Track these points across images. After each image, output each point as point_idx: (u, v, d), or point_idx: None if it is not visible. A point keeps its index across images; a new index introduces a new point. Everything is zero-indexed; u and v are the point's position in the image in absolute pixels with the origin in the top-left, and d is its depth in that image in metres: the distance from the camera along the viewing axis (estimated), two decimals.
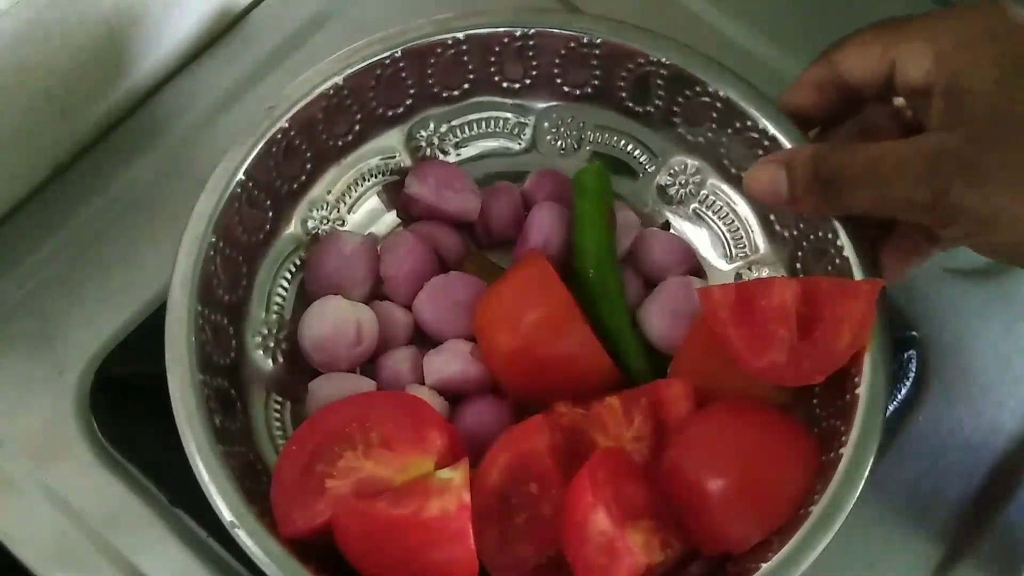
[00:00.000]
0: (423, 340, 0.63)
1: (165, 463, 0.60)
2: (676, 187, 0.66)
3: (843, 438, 0.56)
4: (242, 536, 0.53)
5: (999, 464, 0.66)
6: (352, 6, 0.73)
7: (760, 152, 0.62)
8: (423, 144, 0.66)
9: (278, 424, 0.60)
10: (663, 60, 0.63)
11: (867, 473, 0.55)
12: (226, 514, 0.53)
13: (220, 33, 0.72)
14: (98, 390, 0.63)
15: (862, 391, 0.56)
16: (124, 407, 0.63)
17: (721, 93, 0.62)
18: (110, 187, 0.68)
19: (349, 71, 0.62)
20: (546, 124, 0.67)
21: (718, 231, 0.66)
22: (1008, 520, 0.64)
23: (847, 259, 0.59)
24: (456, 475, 0.53)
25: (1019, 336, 0.69)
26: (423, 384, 0.61)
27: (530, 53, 0.64)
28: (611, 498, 0.53)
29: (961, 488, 0.65)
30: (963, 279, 0.70)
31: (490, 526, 0.55)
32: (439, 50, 0.63)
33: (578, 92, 0.66)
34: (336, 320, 0.60)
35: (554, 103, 0.67)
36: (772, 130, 0.61)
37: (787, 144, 0.60)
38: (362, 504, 0.52)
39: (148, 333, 0.63)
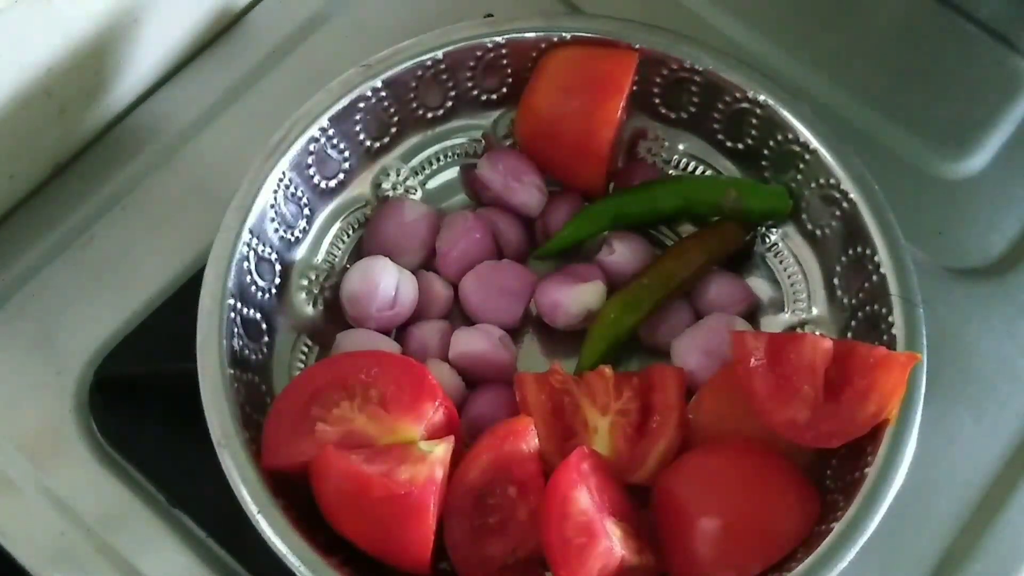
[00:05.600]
0: (461, 321, 0.63)
1: (164, 463, 0.62)
2: None
3: (838, 513, 0.54)
4: (225, 456, 0.54)
5: (1000, 464, 0.64)
6: (351, 6, 0.74)
7: (838, 212, 0.60)
8: (511, 135, 0.67)
9: (300, 366, 0.62)
10: (760, 99, 0.62)
11: (850, 556, 0.53)
12: (216, 432, 0.55)
13: (219, 33, 0.73)
14: (97, 390, 0.63)
15: (871, 472, 0.54)
16: (123, 407, 0.63)
17: (811, 145, 0.61)
18: (109, 187, 0.68)
19: (451, 47, 0.63)
20: (640, 141, 0.67)
21: (780, 283, 0.64)
22: (1008, 520, 0.63)
23: (894, 336, 0.57)
24: (437, 450, 0.54)
25: (1020, 336, 0.67)
26: (447, 361, 0.61)
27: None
28: (593, 486, 0.54)
29: (962, 487, 0.63)
30: (964, 279, 0.68)
31: (461, 521, 0.55)
32: (543, 46, 0.64)
33: (673, 116, 0.66)
34: (377, 280, 0.61)
35: (650, 122, 0.66)
36: (853, 193, 0.60)
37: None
38: (338, 454, 0.53)
39: (147, 333, 0.64)
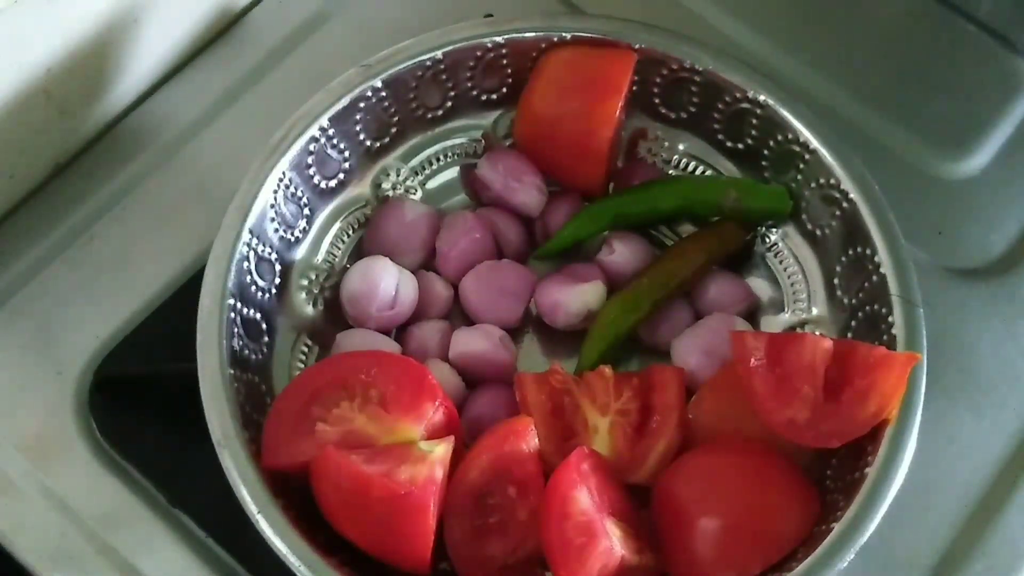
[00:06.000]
0: (461, 321, 0.63)
1: (164, 463, 0.62)
2: None
3: (839, 513, 0.54)
4: (225, 456, 0.54)
5: (1000, 464, 0.64)
6: (351, 6, 0.74)
7: (838, 212, 0.60)
8: (511, 135, 0.67)
9: (300, 366, 0.62)
10: (760, 99, 0.62)
11: (850, 556, 0.53)
12: (216, 432, 0.55)
13: (219, 33, 0.73)
14: (97, 390, 0.63)
15: (871, 472, 0.54)
16: (123, 407, 0.63)
17: (811, 145, 0.61)
18: (109, 187, 0.68)
19: (451, 47, 0.63)
20: (640, 141, 0.67)
21: (780, 282, 0.64)
22: (1008, 520, 0.63)
23: (894, 336, 0.57)
24: (437, 449, 0.54)
25: (1020, 336, 0.67)
26: (447, 361, 0.61)
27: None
28: (593, 486, 0.54)
29: (962, 487, 0.63)
30: (964, 279, 0.68)
31: (461, 521, 0.55)
32: (543, 46, 0.64)
33: (673, 116, 0.66)
34: (377, 280, 0.61)
35: (650, 122, 0.66)
36: (853, 193, 0.60)
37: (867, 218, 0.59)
38: (338, 454, 0.53)
39: (147, 333, 0.64)
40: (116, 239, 0.67)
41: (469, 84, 0.65)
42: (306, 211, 0.63)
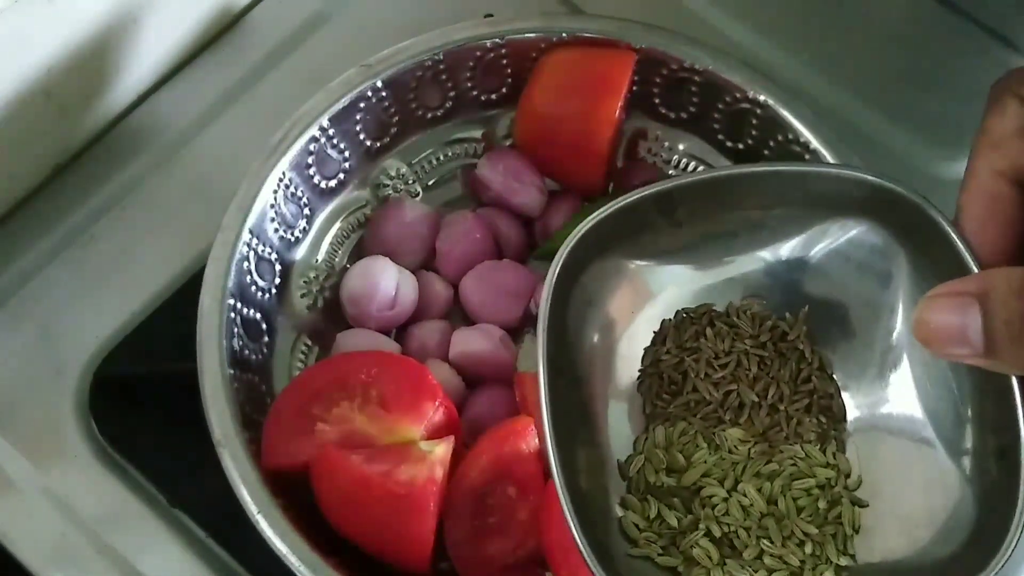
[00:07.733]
0: (461, 321, 0.63)
1: (165, 463, 0.62)
2: None
3: None
4: (225, 456, 0.54)
5: None
6: (351, 6, 0.73)
7: None
8: (511, 135, 0.67)
9: (300, 366, 0.62)
10: (760, 99, 0.62)
11: None
12: (216, 432, 0.55)
13: (219, 33, 0.72)
14: (97, 390, 0.63)
15: None
16: (123, 407, 0.63)
17: (811, 145, 0.61)
18: (109, 187, 0.68)
19: (451, 47, 0.63)
20: (640, 141, 0.67)
21: None
22: None
23: None
24: (437, 449, 0.54)
25: None
26: (447, 361, 0.61)
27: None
28: None
29: None
30: None
31: (461, 522, 0.55)
32: (543, 46, 0.64)
33: (673, 116, 0.66)
34: (377, 280, 0.61)
35: (650, 122, 0.66)
36: None
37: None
38: (338, 454, 0.53)
39: (147, 333, 0.64)
40: (116, 239, 0.67)
41: (469, 84, 0.65)
42: (306, 211, 0.63)
